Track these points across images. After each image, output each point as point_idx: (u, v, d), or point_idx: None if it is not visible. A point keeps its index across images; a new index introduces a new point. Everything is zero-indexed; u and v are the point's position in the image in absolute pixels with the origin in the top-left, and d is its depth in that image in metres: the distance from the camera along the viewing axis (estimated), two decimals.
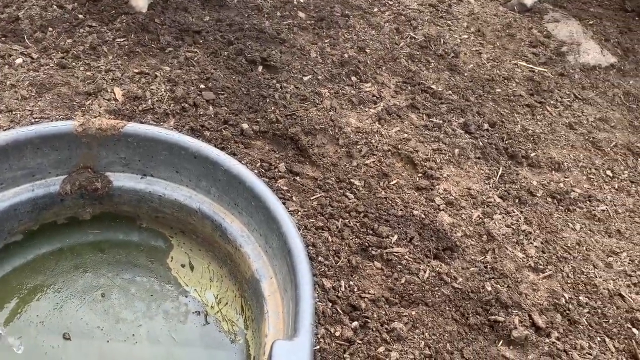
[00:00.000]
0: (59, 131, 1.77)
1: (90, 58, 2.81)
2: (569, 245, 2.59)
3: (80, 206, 1.91)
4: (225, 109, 2.75)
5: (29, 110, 2.43)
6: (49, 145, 1.79)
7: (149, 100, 2.63)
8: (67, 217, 1.93)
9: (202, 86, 2.81)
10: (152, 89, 2.70)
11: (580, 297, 2.36)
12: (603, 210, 2.84)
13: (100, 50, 2.86)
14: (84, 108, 2.50)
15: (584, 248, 2.60)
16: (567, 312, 2.28)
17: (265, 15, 3.52)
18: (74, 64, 2.75)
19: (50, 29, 2.91)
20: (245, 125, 2.69)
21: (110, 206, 1.92)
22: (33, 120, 2.37)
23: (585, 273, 2.47)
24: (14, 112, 2.40)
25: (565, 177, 2.98)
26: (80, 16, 3.04)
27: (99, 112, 2.47)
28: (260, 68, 3.09)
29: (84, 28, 2.96)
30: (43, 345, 1.70)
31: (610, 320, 2.30)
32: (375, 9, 3.96)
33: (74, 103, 2.52)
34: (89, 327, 1.78)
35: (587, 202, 2.86)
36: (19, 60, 2.68)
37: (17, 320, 1.75)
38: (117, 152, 1.86)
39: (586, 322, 2.27)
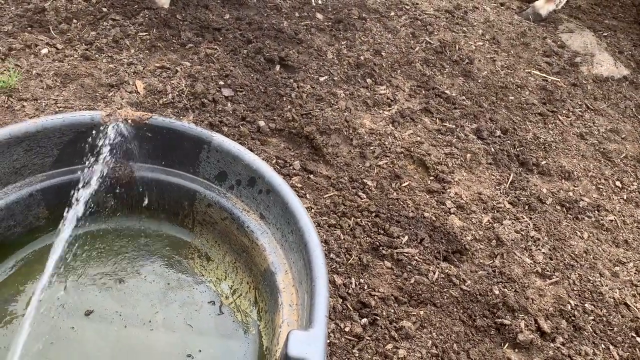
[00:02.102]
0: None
1: (113, 51, 2.87)
2: (576, 253, 2.62)
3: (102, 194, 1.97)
4: (243, 106, 2.80)
5: (54, 99, 2.49)
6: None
7: (170, 95, 2.68)
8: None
9: (221, 83, 2.86)
10: (173, 83, 2.76)
11: (586, 305, 2.40)
12: (611, 220, 2.87)
13: (122, 43, 2.92)
14: (106, 99, 2.56)
15: (591, 256, 2.64)
16: (573, 318, 2.32)
17: (284, 16, 3.57)
18: (97, 56, 2.81)
19: (75, 20, 2.97)
20: (262, 123, 2.74)
21: (132, 195, 1.97)
22: (57, 110, 2.43)
23: (591, 281, 2.51)
24: (39, 101, 2.46)
25: (575, 186, 3.02)
26: (104, 9, 3.10)
27: (121, 104, 2.53)
28: (277, 67, 3.14)
29: (107, 21, 3.02)
30: (62, 327, 1.76)
31: (615, 329, 2.34)
32: (392, 13, 4.00)
33: (97, 94, 2.58)
34: (107, 312, 1.83)
35: (596, 211, 2.89)
36: (44, 51, 2.74)
37: (38, 303, 1.81)
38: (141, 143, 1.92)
39: (591, 329, 2.30)
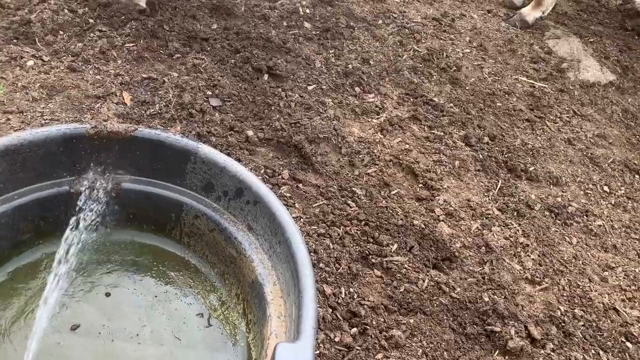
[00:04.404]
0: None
1: (99, 62, 2.86)
2: (565, 258, 2.63)
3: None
4: (231, 115, 2.80)
5: (40, 112, 2.47)
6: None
7: (157, 105, 2.67)
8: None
9: (209, 93, 2.86)
10: (160, 94, 2.75)
11: (575, 310, 2.41)
12: (599, 225, 2.89)
13: (109, 54, 2.92)
14: (93, 111, 2.55)
15: (580, 262, 2.65)
16: (563, 324, 2.32)
17: (272, 25, 3.58)
18: (83, 67, 2.80)
19: (61, 32, 2.96)
20: (250, 132, 2.74)
21: (119, 207, 1.96)
22: (43, 122, 2.42)
23: (581, 286, 2.52)
24: (25, 114, 2.44)
25: (563, 192, 3.04)
26: (91, 21, 3.09)
27: (108, 116, 2.52)
28: (266, 76, 3.14)
29: (94, 32, 3.02)
30: (47, 343, 1.74)
31: (605, 334, 2.34)
32: (380, 22, 4.02)
33: (84, 106, 2.57)
34: (94, 326, 1.81)
35: (584, 216, 2.91)
36: (30, 63, 2.73)
37: (25, 317, 1.79)
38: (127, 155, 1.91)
39: (581, 335, 2.31)
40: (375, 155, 2.86)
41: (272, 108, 2.94)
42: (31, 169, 1.85)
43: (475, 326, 2.20)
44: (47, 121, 2.43)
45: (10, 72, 2.64)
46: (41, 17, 3.01)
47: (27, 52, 2.79)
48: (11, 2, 3.07)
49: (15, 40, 2.84)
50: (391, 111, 3.20)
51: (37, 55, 2.79)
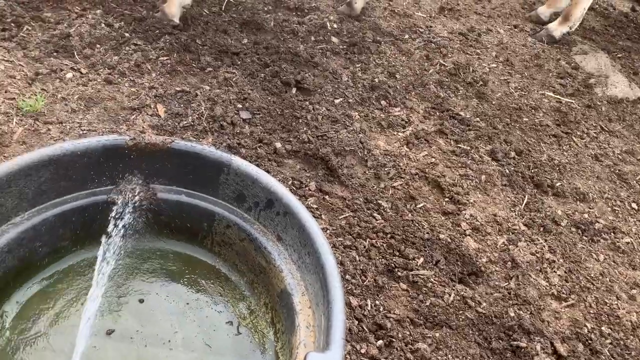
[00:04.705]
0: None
1: (134, 75, 2.95)
2: (592, 275, 2.62)
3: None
4: (260, 128, 2.86)
5: (78, 122, 2.57)
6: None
7: (190, 118, 2.75)
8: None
9: (239, 106, 2.93)
10: (193, 106, 2.83)
11: (602, 328, 2.39)
12: (627, 243, 2.86)
13: (144, 67, 3.01)
14: (128, 122, 2.63)
15: (608, 279, 2.63)
16: (589, 342, 2.31)
17: (300, 40, 3.65)
18: (119, 80, 2.90)
19: (98, 46, 3.08)
20: (278, 144, 2.79)
21: (154, 216, 2.03)
22: (81, 133, 2.51)
23: (608, 304, 2.50)
24: (64, 124, 2.54)
25: (590, 208, 3.02)
26: (127, 35, 3.20)
27: (143, 127, 2.60)
28: (294, 90, 3.20)
29: (129, 46, 3.12)
30: (86, 344, 1.80)
31: (633, 353, 2.32)
32: (406, 36, 4.07)
33: (119, 117, 2.66)
34: (128, 331, 1.87)
35: (612, 233, 2.89)
36: (69, 75, 2.83)
37: (62, 322, 1.86)
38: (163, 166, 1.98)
39: (608, 353, 2.29)
40: (401, 168, 2.89)
41: (300, 121, 2.99)
42: (72, 178, 1.92)
43: (500, 341, 2.20)
44: (84, 132, 2.52)
45: (50, 84, 2.75)
46: (79, 31, 3.13)
47: (66, 64, 2.90)
48: (51, 16, 3.19)
49: (55, 53, 2.95)
50: (417, 125, 3.23)
51: (75, 68, 2.89)
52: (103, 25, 3.22)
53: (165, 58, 3.12)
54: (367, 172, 2.84)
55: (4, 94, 2.61)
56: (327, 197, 2.63)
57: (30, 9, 3.20)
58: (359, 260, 2.36)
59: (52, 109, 2.62)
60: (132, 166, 1.96)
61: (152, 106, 2.77)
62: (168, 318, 1.94)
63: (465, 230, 2.63)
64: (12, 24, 3.04)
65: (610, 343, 2.34)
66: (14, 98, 2.60)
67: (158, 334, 1.89)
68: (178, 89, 2.93)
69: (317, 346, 1.65)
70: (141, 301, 1.98)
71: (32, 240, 1.89)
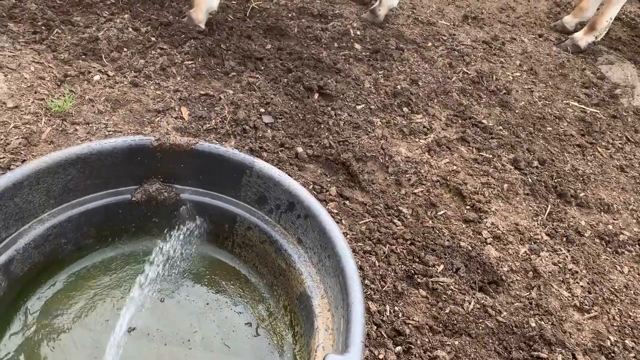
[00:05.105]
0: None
1: (160, 78, 3.00)
2: (616, 287, 2.57)
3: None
4: (283, 132, 2.88)
5: (104, 123, 2.62)
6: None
7: (213, 121, 2.79)
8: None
9: (262, 110, 2.96)
10: (216, 110, 2.86)
11: (626, 341, 2.34)
12: None
13: (169, 71, 3.06)
14: (153, 124, 2.67)
15: (632, 292, 2.58)
16: (612, 355, 2.26)
17: (324, 46, 3.67)
18: (145, 82, 2.95)
19: (125, 49, 3.13)
20: (300, 149, 2.81)
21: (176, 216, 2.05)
22: (107, 133, 2.56)
23: (632, 317, 2.45)
24: (90, 125, 2.59)
25: (615, 219, 2.97)
26: (153, 39, 3.26)
27: (167, 129, 2.64)
28: (316, 95, 3.22)
29: (155, 50, 3.18)
30: (106, 342, 1.83)
31: None
32: (430, 44, 4.06)
33: (145, 119, 2.71)
34: (149, 330, 1.89)
35: (637, 245, 2.83)
36: (96, 77, 2.89)
37: (85, 318, 1.89)
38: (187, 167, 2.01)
39: None
40: (422, 175, 2.88)
41: (322, 126, 3.00)
42: (98, 177, 1.96)
43: (521, 351, 2.17)
44: (110, 132, 2.57)
45: (78, 86, 2.81)
46: (107, 34, 3.19)
47: (94, 67, 2.96)
48: (81, 20, 3.27)
49: (83, 56, 3.02)
50: (439, 132, 3.22)
51: (103, 71, 2.95)
52: (130, 29, 3.29)
53: (190, 62, 3.16)
54: (388, 178, 2.84)
55: (34, 95, 2.67)
56: (347, 202, 2.64)
57: (61, 13, 3.28)
58: (379, 265, 2.36)
59: (79, 110, 2.67)
60: (156, 167, 1.99)
61: (176, 109, 2.81)
62: (188, 318, 1.96)
63: (486, 239, 2.61)
64: (43, 27, 3.12)
65: (634, 357, 2.28)
66: (43, 99, 2.66)
67: (178, 333, 1.91)
68: (202, 92, 2.97)
69: (335, 349, 1.65)
70: (162, 300, 2.01)
71: (57, 237, 1.93)
